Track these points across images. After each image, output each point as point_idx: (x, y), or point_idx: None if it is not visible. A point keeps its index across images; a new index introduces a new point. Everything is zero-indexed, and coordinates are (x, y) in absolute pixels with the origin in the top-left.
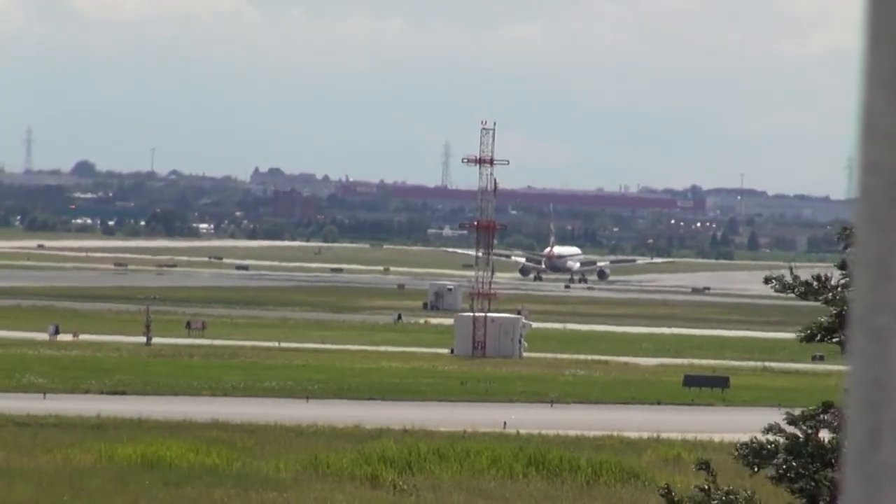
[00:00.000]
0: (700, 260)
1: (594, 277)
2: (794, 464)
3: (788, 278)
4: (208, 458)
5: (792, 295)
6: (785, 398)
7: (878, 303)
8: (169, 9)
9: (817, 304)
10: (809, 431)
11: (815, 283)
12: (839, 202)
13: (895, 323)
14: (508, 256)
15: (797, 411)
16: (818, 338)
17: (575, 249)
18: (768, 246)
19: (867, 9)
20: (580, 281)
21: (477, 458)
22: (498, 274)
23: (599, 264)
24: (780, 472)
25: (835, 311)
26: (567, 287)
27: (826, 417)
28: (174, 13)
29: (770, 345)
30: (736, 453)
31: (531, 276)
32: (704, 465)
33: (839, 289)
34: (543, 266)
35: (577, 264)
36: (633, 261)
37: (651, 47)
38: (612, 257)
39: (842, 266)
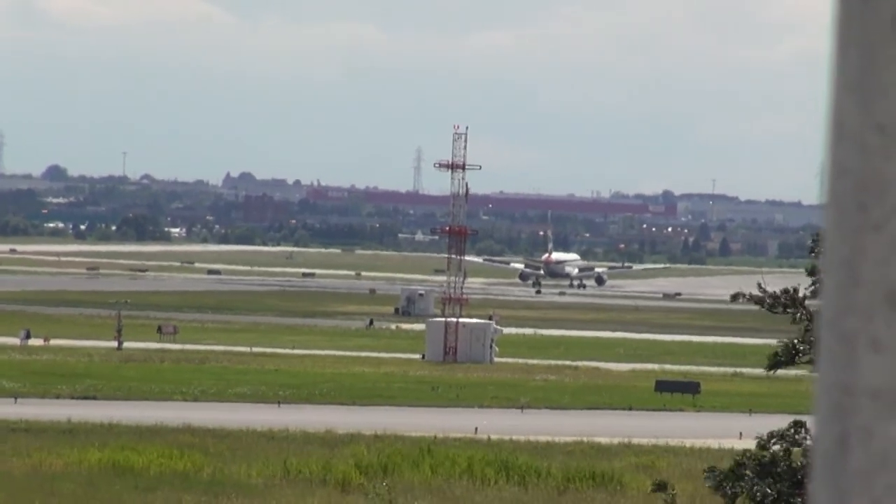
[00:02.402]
0: (695, 266)
1: (592, 283)
2: (766, 489)
3: (757, 292)
4: (179, 464)
5: (763, 308)
6: (756, 404)
7: (847, 307)
8: (142, 14)
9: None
10: (780, 453)
11: (783, 297)
12: (811, 207)
13: (863, 327)
14: (507, 263)
15: (765, 434)
16: (784, 363)
17: (573, 255)
18: (740, 251)
19: (836, 12)
20: (579, 286)
21: (448, 463)
22: (471, 279)
23: (597, 270)
24: (753, 496)
25: (800, 336)
26: (538, 292)
27: (797, 437)
28: (147, 18)
29: (741, 350)
30: (707, 483)
31: (530, 281)
32: (661, 487)
33: (806, 301)
34: (542, 272)
35: (576, 270)
36: (630, 267)
37: (623, 53)
38: (610, 263)
39: (811, 272)
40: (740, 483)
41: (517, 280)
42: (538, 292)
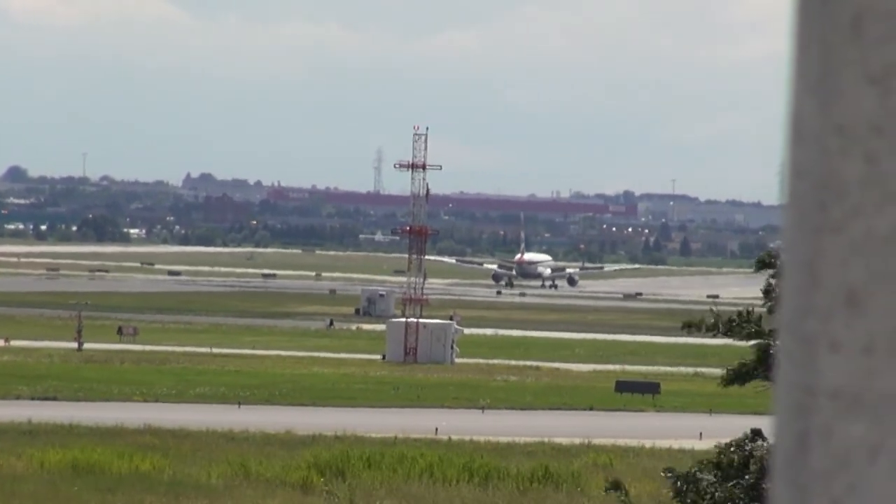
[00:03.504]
0: (665, 266)
1: (563, 283)
2: (723, 496)
3: (710, 320)
4: (140, 465)
5: (717, 335)
6: (715, 404)
7: (807, 308)
8: (102, 14)
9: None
10: (737, 461)
11: (737, 320)
12: (771, 208)
13: (823, 328)
14: (481, 264)
15: (724, 441)
16: (741, 380)
17: (545, 256)
18: (700, 251)
19: (795, 14)
20: (551, 287)
21: (409, 464)
22: (432, 279)
23: (569, 271)
24: (713, 500)
25: (756, 352)
26: (498, 293)
27: (754, 446)
28: (107, 18)
29: (701, 351)
30: (666, 491)
31: (503, 282)
32: (615, 486)
33: (762, 320)
34: (514, 273)
35: (548, 270)
36: (601, 268)
37: (583, 53)
38: (581, 264)
39: (766, 292)
40: (697, 492)
41: (490, 280)
42: (499, 293)
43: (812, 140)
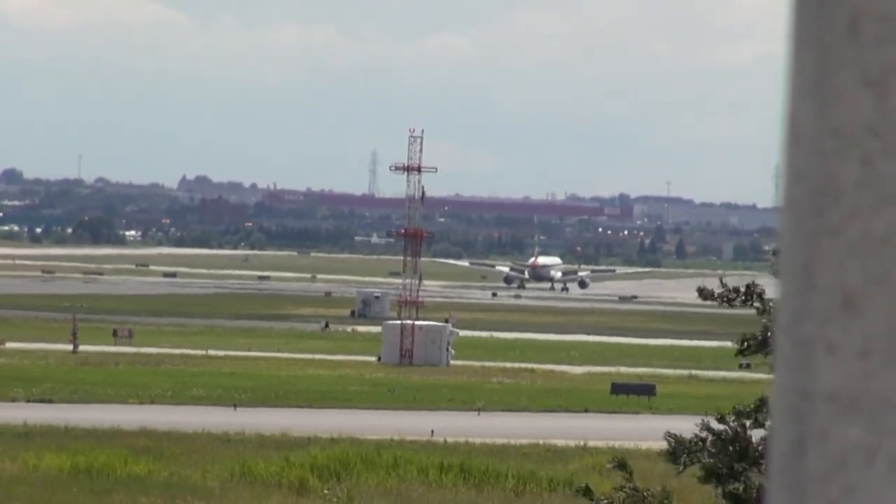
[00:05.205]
0: (674, 269)
1: (574, 286)
2: (720, 463)
3: (719, 288)
4: (136, 467)
5: (724, 304)
6: (711, 406)
7: (803, 311)
8: (97, 16)
9: (746, 311)
10: (738, 429)
11: (744, 292)
12: (765, 210)
13: (820, 332)
14: (493, 266)
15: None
16: (753, 350)
17: (556, 259)
18: (695, 254)
19: (792, 17)
20: (562, 290)
21: (404, 465)
22: (428, 281)
23: (580, 274)
24: (707, 470)
25: (767, 323)
26: (494, 295)
27: (759, 416)
28: (102, 21)
29: (697, 353)
30: (663, 449)
31: (515, 284)
32: (621, 465)
33: (768, 297)
34: (527, 275)
35: (559, 274)
36: (613, 271)
37: (579, 56)
38: (592, 267)
39: (776, 273)
40: (697, 454)
41: (484, 283)
42: (494, 295)
43: (808, 143)
